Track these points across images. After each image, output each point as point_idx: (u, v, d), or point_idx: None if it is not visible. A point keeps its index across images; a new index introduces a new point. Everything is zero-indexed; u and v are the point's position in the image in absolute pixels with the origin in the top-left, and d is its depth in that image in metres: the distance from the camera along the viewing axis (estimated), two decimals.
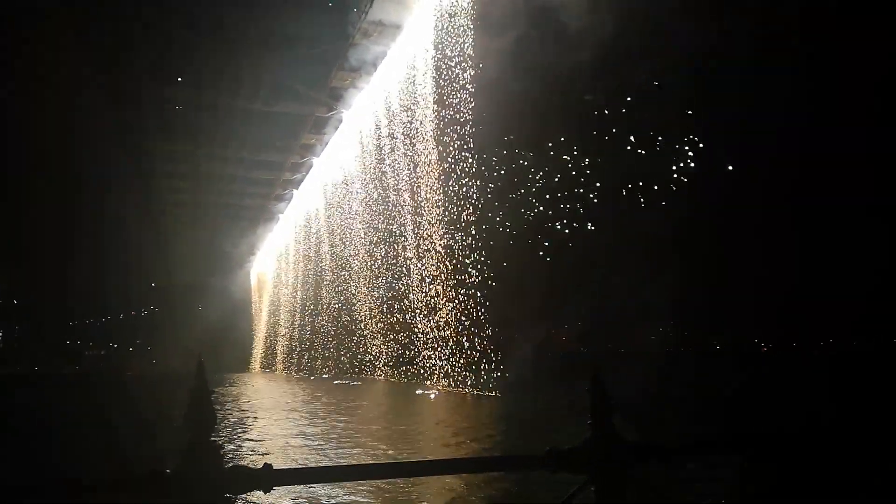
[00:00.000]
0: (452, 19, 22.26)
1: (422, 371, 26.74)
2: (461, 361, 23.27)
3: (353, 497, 7.62)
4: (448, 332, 23.90)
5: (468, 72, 21.86)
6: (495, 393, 21.74)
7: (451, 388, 23.90)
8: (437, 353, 24.81)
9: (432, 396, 23.12)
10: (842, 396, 15.15)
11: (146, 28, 24.72)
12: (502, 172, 24.29)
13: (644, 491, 2.82)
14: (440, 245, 24.16)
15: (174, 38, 25.23)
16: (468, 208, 22.66)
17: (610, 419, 2.64)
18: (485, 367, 22.32)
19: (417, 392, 24.70)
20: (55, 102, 29.56)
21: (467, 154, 22.31)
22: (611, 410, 2.66)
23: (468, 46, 21.68)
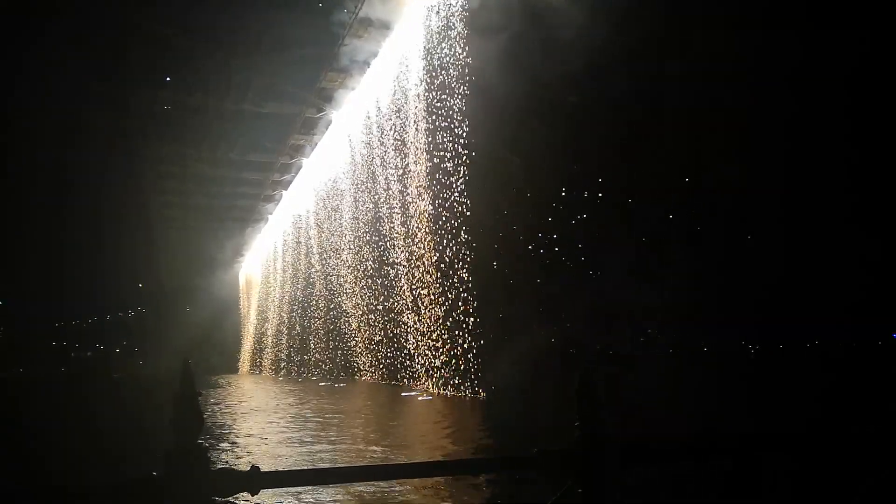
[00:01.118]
0: (442, 18, 22.25)
1: (409, 373, 26.68)
2: (450, 363, 23.22)
3: (340, 498, 7.61)
4: (436, 334, 23.86)
5: (459, 71, 21.82)
6: (483, 395, 21.70)
7: (439, 390, 23.84)
8: (425, 354, 24.76)
9: (420, 398, 23.07)
10: (831, 396, 15.27)
11: (140, 32, 24.67)
12: (494, 171, 24.24)
13: (633, 492, 2.82)
14: (429, 246, 24.13)
15: (168, 43, 25.20)
16: (458, 209, 22.62)
17: (598, 420, 2.65)
18: (473, 368, 22.27)
19: (405, 394, 24.64)
20: (49, 106, 29.39)
21: (457, 156, 22.27)
22: (599, 411, 2.66)
23: (459, 45, 21.66)
